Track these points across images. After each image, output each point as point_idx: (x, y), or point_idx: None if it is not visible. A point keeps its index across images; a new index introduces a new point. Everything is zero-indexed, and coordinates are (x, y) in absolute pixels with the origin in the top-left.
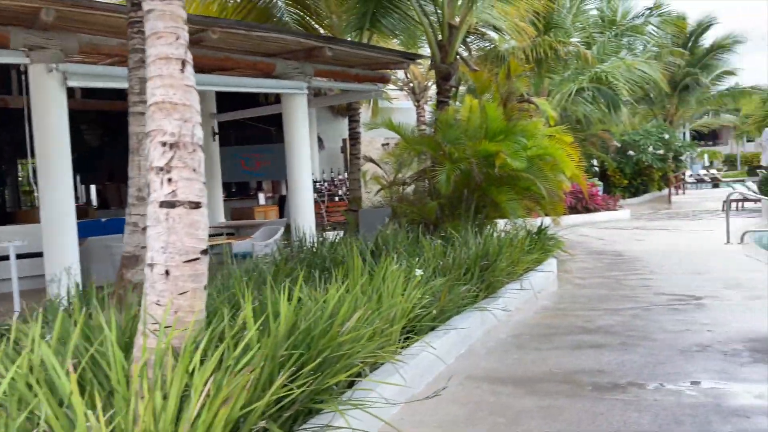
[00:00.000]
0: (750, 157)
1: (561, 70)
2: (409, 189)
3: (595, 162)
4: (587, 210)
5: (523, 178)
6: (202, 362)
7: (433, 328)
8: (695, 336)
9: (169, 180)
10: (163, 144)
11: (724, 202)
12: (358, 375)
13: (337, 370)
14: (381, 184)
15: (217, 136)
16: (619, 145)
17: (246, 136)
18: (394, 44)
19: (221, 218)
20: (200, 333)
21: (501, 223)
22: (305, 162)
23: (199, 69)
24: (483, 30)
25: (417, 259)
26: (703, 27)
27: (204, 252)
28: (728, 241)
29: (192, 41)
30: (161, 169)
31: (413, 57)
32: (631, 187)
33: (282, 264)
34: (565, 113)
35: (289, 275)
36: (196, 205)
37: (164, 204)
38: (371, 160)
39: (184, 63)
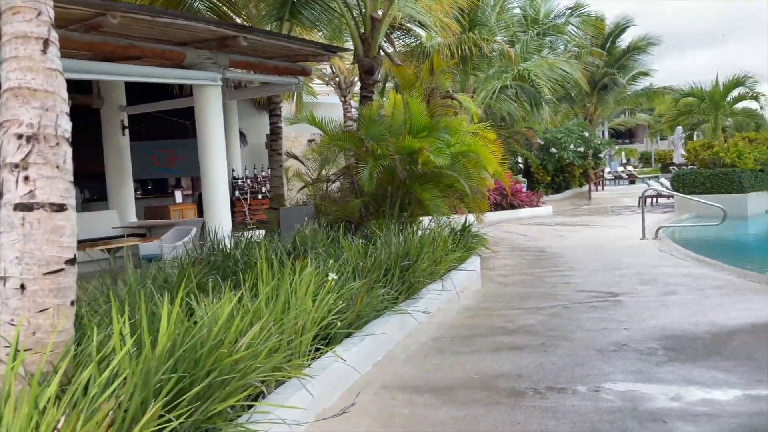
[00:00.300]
0: (663, 154)
1: (486, 67)
2: (334, 186)
3: (520, 159)
4: (512, 206)
5: (446, 175)
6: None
7: (349, 335)
8: (612, 334)
9: (26, 178)
10: (19, 137)
11: (640, 198)
12: (260, 395)
13: (229, 392)
14: (304, 181)
15: (126, 130)
16: (542, 142)
17: (159, 131)
18: (319, 37)
19: (132, 218)
20: (64, 356)
21: (427, 220)
22: (219, 158)
23: (100, 57)
24: (409, 26)
25: (336, 260)
26: (620, 28)
27: (71, 262)
28: (644, 237)
29: (90, 26)
30: (16, 165)
31: (334, 49)
32: (553, 184)
33: (188, 269)
34: (489, 111)
35: (195, 281)
36: (60, 208)
37: (19, 207)
38: (293, 156)
39: (46, 43)
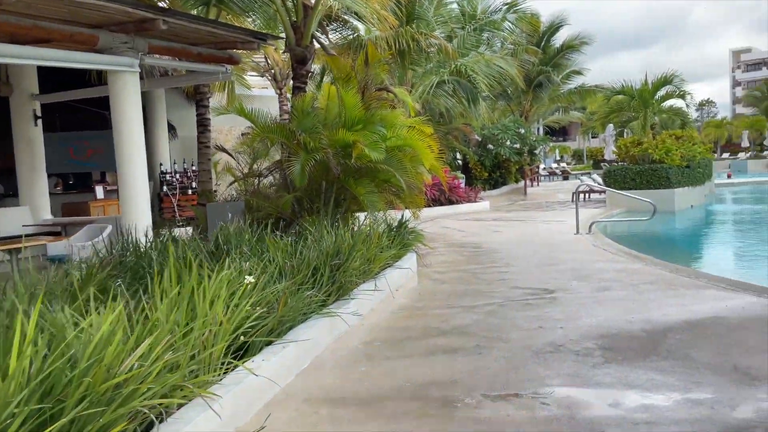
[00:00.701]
0: (595, 151)
1: (424, 62)
2: (268, 182)
3: (458, 155)
4: (450, 202)
5: (382, 169)
6: None
7: (270, 343)
8: (548, 334)
9: None
10: None
11: (573, 193)
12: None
13: (108, 423)
14: (234, 175)
15: (39, 120)
16: (479, 138)
17: (76, 121)
18: (251, 26)
19: (47, 215)
20: None
21: (364, 216)
22: (137, 150)
23: (6, 39)
24: (345, 17)
25: (260, 260)
26: (555, 27)
27: None
28: (578, 232)
29: None
30: None
31: (264, 37)
32: (491, 180)
33: (93, 272)
34: (428, 106)
35: (95, 287)
36: None
37: None
38: (222, 149)
39: None
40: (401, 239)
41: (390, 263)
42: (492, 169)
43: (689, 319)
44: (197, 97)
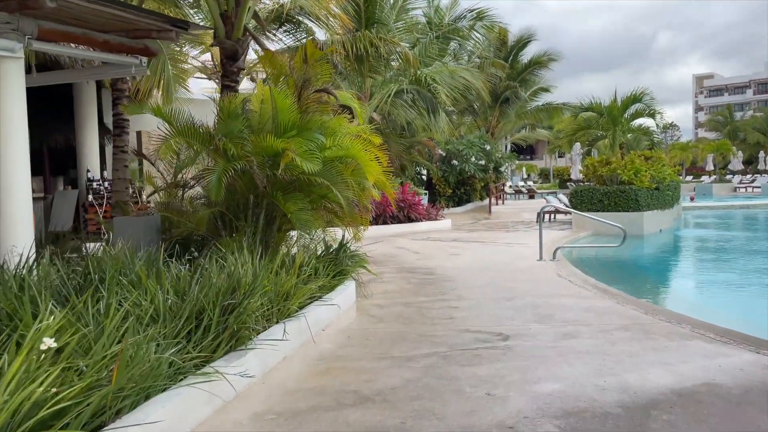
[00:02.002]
0: (562, 170)
1: (383, 70)
2: (196, 193)
3: (423, 171)
4: (410, 219)
5: (318, 183)
6: None
7: None
8: (497, 407)
9: None
10: None
11: (538, 214)
12: None
13: None
14: (153, 185)
15: None
16: (443, 153)
17: None
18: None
19: None
20: None
21: (304, 236)
22: (17, 151)
23: None
24: (299, 18)
25: (131, 299)
26: (523, 42)
27: None
28: (541, 258)
29: None
30: None
31: (184, 25)
32: (455, 197)
33: None
34: (389, 117)
35: None
36: None
37: None
38: (141, 155)
39: None
40: (338, 265)
41: (319, 295)
42: (456, 186)
43: (676, 386)
44: (114, 95)
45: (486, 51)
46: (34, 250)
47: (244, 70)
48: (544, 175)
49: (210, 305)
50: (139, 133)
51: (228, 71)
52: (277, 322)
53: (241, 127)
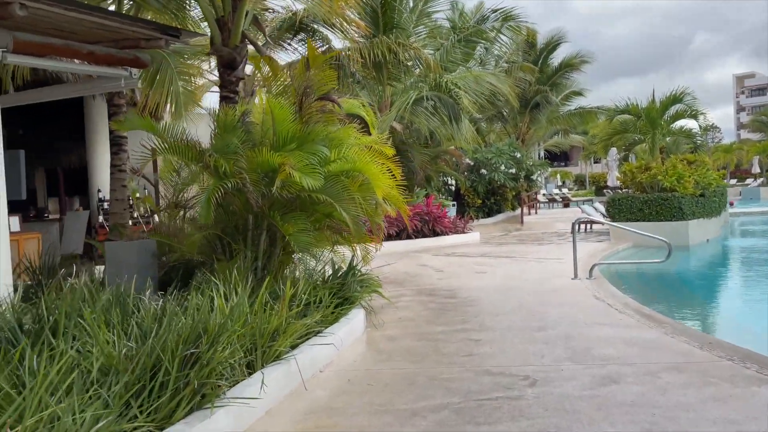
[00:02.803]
0: (597, 177)
1: (403, 77)
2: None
3: (450, 180)
4: (435, 233)
5: (322, 201)
6: None
7: None
8: None
9: None
10: None
11: (573, 223)
12: None
13: None
14: (152, 205)
15: None
16: (471, 163)
17: None
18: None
19: None
20: None
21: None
22: None
23: None
24: (314, 26)
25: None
26: (553, 44)
27: None
28: (576, 276)
29: None
30: None
31: (175, 33)
32: (485, 207)
33: None
34: (412, 126)
35: None
36: None
37: None
38: (136, 173)
39: None
40: (346, 290)
41: (318, 330)
42: (486, 196)
43: None
44: (111, 110)
45: (514, 55)
46: (10, 287)
47: (243, 79)
48: (580, 181)
49: (169, 355)
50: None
51: (226, 81)
52: (263, 366)
53: (239, 141)
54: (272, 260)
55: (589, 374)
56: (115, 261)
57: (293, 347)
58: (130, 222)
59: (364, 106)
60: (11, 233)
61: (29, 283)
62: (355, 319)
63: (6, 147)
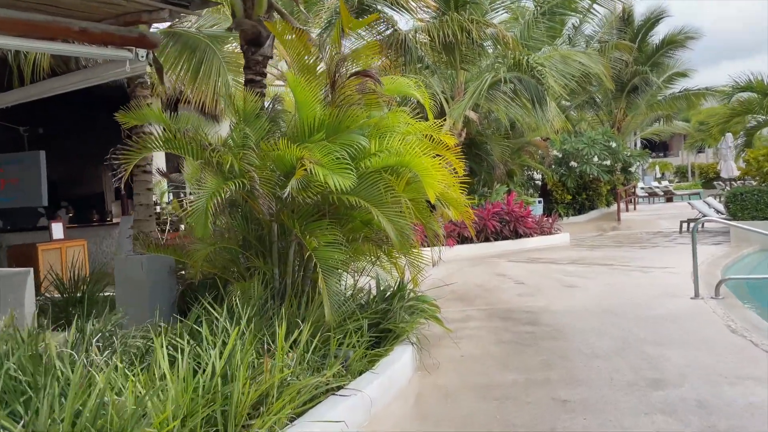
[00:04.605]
0: (706, 167)
1: (478, 59)
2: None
3: (536, 175)
4: (517, 234)
5: (358, 206)
6: None
7: None
8: None
9: None
10: None
11: (683, 222)
12: None
13: None
14: (177, 211)
15: None
16: (559, 155)
17: None
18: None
19: None
20: None
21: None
22: None
23: None
24: (376, 6)
25: None
26: (653, 20)
27: None
28: (697, 294)
29: None
30: None
31: (183, 1)
32: (575, 203)
33: None
34: (490, 116)
35: None
36: None
37: None
38: (164, 175)
39: None
40: (391, 320)
41: (340, 385)
42: (577, 191)
43: None
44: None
45: (606, 34)
46: None
47: (271, 58)
48: (681, 173)
49: None
50: None
51: (250, 61)
52: None
53: (261, 133)
54: (306, 277)
55: None
56: (124, 279)
57: (298, 415)
58: (182, 227)
59: (419, 86)
60: (54, 241)
61: (57, 297)
62: (398, 363)
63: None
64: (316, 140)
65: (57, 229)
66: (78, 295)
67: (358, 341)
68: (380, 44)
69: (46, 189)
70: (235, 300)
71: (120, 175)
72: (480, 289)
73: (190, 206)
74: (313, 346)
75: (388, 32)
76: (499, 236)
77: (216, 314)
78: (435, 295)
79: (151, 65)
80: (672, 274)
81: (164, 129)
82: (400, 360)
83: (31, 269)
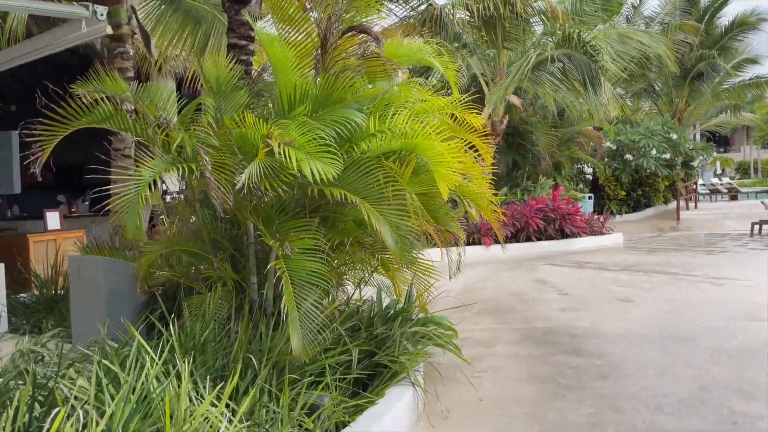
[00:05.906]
0: None
1: (522, 35)
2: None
3: (587, 168)
4: (563, 234)
5: (343, 201)
6: None
7: None
8: None
9: None
10: None
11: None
12: None
13: None
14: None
15: None
16: (613, 146)
17: None
18: None
19: None
20: None
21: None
22: None
23: None
24: None
25: None
26: (721, 1)
27: None
28: None
29: None
30: None
31: None
32: (629, 200)
33: None
34: (536, 102)
35: None
36: None
37: None
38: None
39: None
40: (390, 350)
41: None
42: (631, 187)
43: None
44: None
45: (669, 14)
46: None
47: (260, 19)
48: (743, 169)
49: None
50: None
51: (234, 21)
52: None
53: (237, 108)
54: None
55: None
56: (80, 281)
57: None
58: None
59: (442, 54)
60: (50, 231)
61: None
62: (388, 415)
63: None
64: (297, 115)
65: (53, 219)
66: (53, 292)
67: (341, 379)
68: (414, 22)
69: (19, 175)
70: (187, 319)
71: (36, 156)
72: (515, 300)
73: (117, 199)
74: (269, 390)
75: (422, 7)
76: (543, 235)
77: (166, 335)
78: (460, 304)
79: (117, 27)
80: (749, 287)
81: (103, 99)
82: (390, 411)
83: (2, 264)
